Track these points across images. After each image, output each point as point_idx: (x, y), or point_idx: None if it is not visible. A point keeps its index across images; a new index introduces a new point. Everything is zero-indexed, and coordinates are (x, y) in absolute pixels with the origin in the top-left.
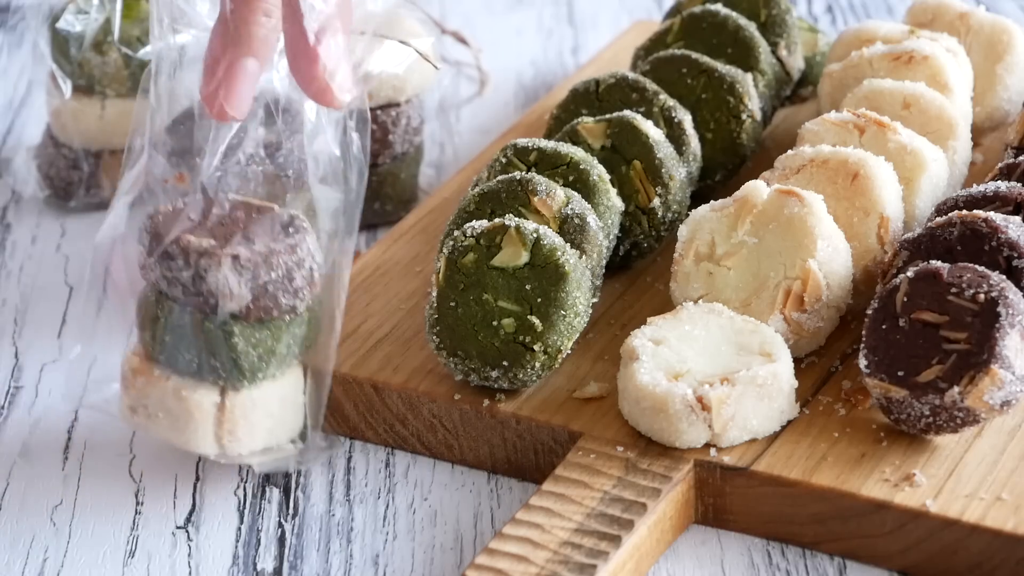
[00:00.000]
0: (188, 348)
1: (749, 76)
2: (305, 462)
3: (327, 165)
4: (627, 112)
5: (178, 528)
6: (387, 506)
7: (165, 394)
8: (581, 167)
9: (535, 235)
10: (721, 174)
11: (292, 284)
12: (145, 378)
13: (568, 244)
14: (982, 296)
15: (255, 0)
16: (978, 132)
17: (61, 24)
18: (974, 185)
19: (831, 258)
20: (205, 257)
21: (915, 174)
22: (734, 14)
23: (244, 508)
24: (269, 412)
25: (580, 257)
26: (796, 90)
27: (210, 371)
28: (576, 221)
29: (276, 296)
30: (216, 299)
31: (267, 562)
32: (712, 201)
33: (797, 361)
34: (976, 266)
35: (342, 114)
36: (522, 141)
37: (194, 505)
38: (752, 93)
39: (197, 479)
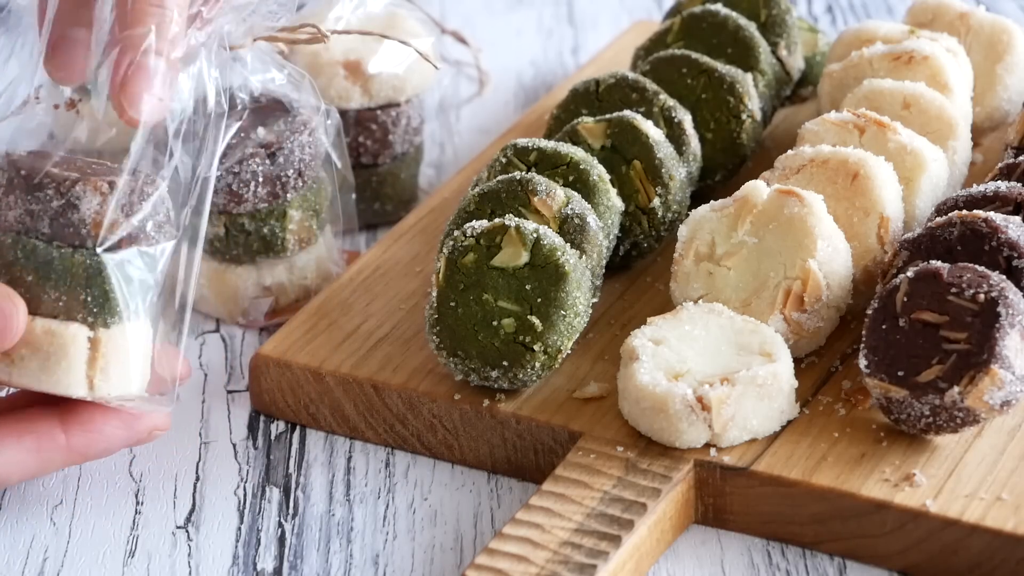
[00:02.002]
0: (55, 287)
1: (749, 76)
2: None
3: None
4: (627, 112)
5: (178, 528)
6: (387, 506)
7: (31, 335)
8: (581, 167)
9: (535, 235)
10: (721, 174)
11: (157, 217)
12: None
13: (568, 244)
14: (982, 296)
15: None
16: (978, 132)
17: None
18: (974, 185)
19: (831, 258)
20: (79, 184)
21: (915, 174)
22: (734, 14)
23: (244, 508)
24: (133, 355)
25: (580, 257)
26: (796, 90)
27: (79, 308)
28: (576, 221)
29: (145, 226)
30: (88, 228)
31: (267, 562)
32: (712, 201)
33: (797, 361)
34: (976, 266)
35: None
36: (522, 141)
37: (194, 505)
38: (752, 93)
39: (197, 479)
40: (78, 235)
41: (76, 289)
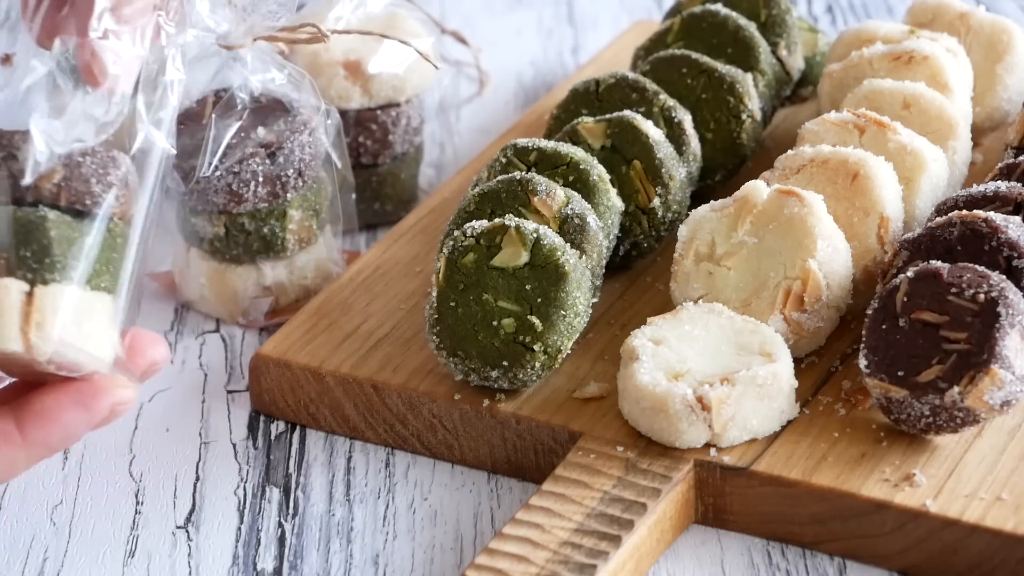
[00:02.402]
0: None
1: (749, 76)
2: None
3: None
4: (627, 112)
5: (178, 528)
6: (387, 506)
7: None
8: (581, 167)
9: (535, 235)
10: (721, 174)
11: (106, 176)
12: None
13: (568, 244)
14: (982, 296)
15: None
16: (978, 132)
17: None
18: (974, 185)
19: (831, 258)
20: (18, 135)
21: (915, 174)
22: (734, 14)
23: (244, 508)
24: (79, 318)
25: (580, 257)
26: (796, 90)
27: (20, 264)
28: (576, 221)
29: (88, 180)
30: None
31: (267, 562)
32: (712, 201)
33: (797, 361)
34: (976, 266)
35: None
36: (522, 141)
37: (194, 505)
38: (752, 93)
39: (197, 479)
40: (18, 186)
41: (15, 245)
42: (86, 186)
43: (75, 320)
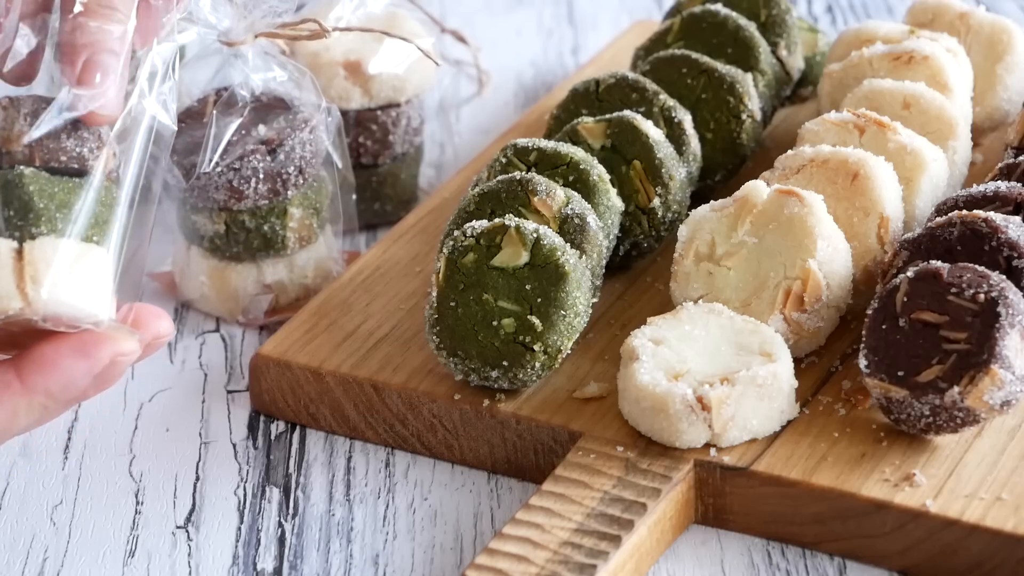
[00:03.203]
0: None
1: (749, 76)
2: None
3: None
4: (627, 112)
5: (178, 528)
6: (387, 506)
7: None
8: (581, 167)
9: (535, 235)
10: (721, 174)
11: (76, 131)
12: None
13: (568, 244)
14: (982, 296)
15: None
16: (978, 132)
17: None
18: (974, 185)
19: (831, 258)
20: None
21: (915, 174)
22: (734, 14)
23: (244, 508)
24: (72, 267)
25: (580, 257)
26: (796, 90)
27: (5, 225)
28: (576, 221)
29: (59, 137)
30: (2, 143)
31: (267, 562)
32: (712, 201)
33: (797, 361)
34: (976, 266)
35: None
36: (522, 141)
37: (194, 505)
38: (752, 93)
39: (197, 479)
40: None
41: None
42: (57, 143)
43: (69, 269)
